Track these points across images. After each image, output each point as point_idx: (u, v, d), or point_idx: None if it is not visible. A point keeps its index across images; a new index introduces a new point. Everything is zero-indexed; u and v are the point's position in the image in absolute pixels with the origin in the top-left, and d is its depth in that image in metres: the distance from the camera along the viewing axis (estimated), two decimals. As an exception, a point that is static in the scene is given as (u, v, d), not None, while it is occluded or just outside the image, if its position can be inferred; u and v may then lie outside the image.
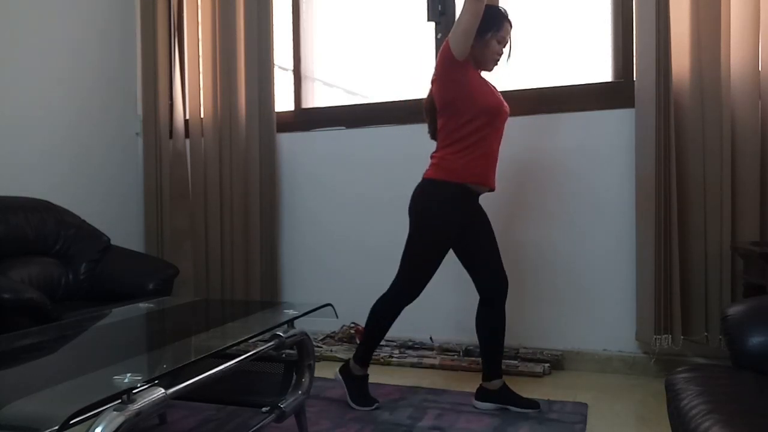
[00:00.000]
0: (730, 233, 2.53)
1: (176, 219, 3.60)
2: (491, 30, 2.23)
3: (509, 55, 2.34)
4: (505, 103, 2.32)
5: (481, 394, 2.39)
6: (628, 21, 2.83)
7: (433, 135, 2.41)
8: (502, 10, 2.29)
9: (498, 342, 2.37)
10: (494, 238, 2.39)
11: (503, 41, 2.27)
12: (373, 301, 2.45)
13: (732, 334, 1.49)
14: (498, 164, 2.35)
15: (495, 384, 2.36)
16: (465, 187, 2.27)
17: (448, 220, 2.28)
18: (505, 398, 2.35)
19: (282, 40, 3.53)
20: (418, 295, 2.37)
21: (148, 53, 3.63)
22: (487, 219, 2.40)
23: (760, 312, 1.50)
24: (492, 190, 2.36)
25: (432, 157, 2.33)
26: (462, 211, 2.30)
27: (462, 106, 2.22)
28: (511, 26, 2.28)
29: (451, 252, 3.19)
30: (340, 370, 2.45)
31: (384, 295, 2.41)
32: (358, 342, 3.17)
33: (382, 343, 3.17)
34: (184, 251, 3.57)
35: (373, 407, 2.36)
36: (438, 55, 2.25)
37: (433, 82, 2.30)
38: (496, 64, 2.31)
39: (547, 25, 3.02)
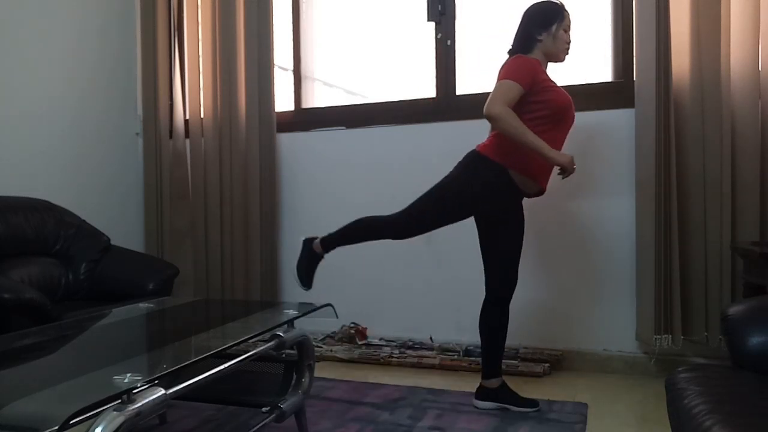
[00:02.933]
0: (730, 233, 2.53)
1: (176, 219, 3.60)
2: (555, 21, 2.25)
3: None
4: (573, 107, 2.29)
5: (481, 393, 2.39)
6: (628, 21, 2.83)
7: None
8: (558, 2, 2.30)
9: (499, 341, 2.36)
10: (521, 241, 2.35)
11: (568, 28, 2.29)
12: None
13: (732, 334, 1.49)
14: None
15: (494, 383, 2.36)
16: (508, 177, 2.22)
17: (483, 197, 2.26)
18: (505, 397, 2.35)
19: (282, 40, 3.53)
20: (403, 237, 2.38)
21: (148, 53, 3.63)
22: (523, 220, 2.35)
23: (760, 312, 1.50)
24: (542, 192, 2.32)
25: (491, 134, 2.29)
26: (500, 197, 2.26)
27: (533, 104, 2.20)
28: (569, 13, 2.30)
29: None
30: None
31: (379, 216, 2.41)
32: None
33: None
34: (184, 251, 3.57)
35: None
36: (502, 72, 2.24)
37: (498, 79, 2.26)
38: (568, 53, 2.31)
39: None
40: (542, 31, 2.26)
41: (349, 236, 2.43)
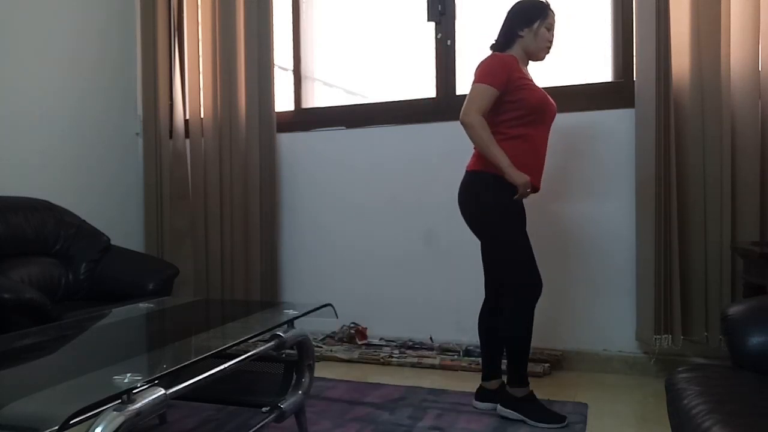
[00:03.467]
0: (730, 233, 2.53)
1: (176, 219, 3.60)
2: (538, 19, 2.25)
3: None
4: (552, 101, 2.30)
5: (481, 394, 2.39)
6: (628, 21, 2.83)
7: None
8: (543, 0, 2.29)
9: (498, 342, 2.36)
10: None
11: (551, 27, 2.28)
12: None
13: (732, 334, 1.49)
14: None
15: (494, 384, 2.36)
16: (504, 179, 2.18)
17: (513, 205, 2.21)
18: (502, 397, 2.34)
19: (282, 40, 3.53)
20: (539, 287, 2.23)
21: (148, 53, 3.63)
22: (525, 220, 2.32)
23: (760, 312, 1.50)
24: (535, 190, 2.29)
25: (474, 148, 2.29)
26: (514, 199, 2.22)
27: (508, 104, 2.20)
28: (554, 13, 2.29)
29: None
30: (503, 405, 2.27)
31: (505, 311, 2.26)
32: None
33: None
34: (184, 251, 3.57)
35: (564, 423, 2.17)
36: (477, 71, 2.23)
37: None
38: (548, 51, 2.30)
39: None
40: (524, 27, 2.26)
41: (522, 352, 2.25)
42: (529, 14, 2.26)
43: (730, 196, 2.52)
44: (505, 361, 2.32)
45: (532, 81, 2.27)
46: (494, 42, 2.35)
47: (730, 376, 1.41)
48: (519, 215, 2.26)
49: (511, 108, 2.20)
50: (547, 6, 2.28)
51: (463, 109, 2.17)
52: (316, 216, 3.42)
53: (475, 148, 2.28)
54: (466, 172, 2.31)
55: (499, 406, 2.30)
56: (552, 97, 2.33)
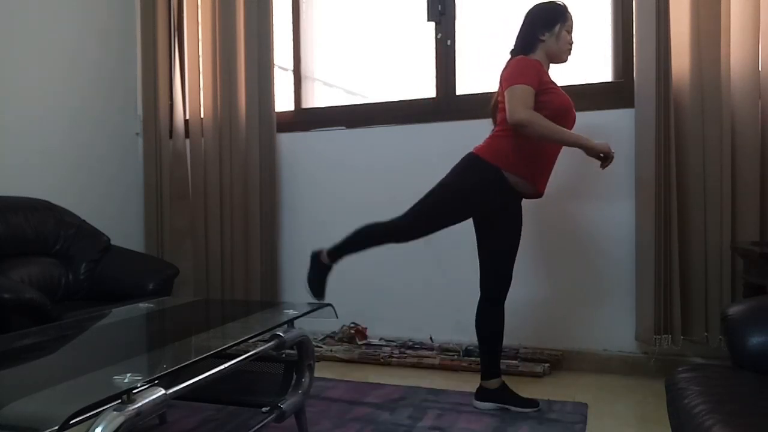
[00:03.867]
0: (730, 233, 2.53)
1: (176, 219, 3.60)
2: (558, 22, 2.25)
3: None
4: (574, 110, 2.30)
5: (481, 394, 2.39)
6: (628, 21, 2.83)
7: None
8: (561, 3, 2.30)
9: (497, 341, 2.36)
10: (517, 242, 2.35)
11: (571, 29, 2.28)
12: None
13: (732, 334, 1.49)
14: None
15: (494, 383, 2.36)
16: (503, 178, 2.21)
17: (480, 199, 2.27)
18: (505, 397, 2.35)
19: (282, 40, 3.53)
20: (405, 240, 2.38)
21: (148, 53, 3.63)
22: (521, 222, 2.35)
23: (760, 312, 1.50)
24: (539, 195, 2.32)
25: (490, 137, 2.31)
26: (496, 198, 2.26)
27: (535, 105, 2.19)
28: (571, 15, 2.30)
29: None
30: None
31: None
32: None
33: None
34: (184, 251, 3.57)
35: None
36: (506, 74, 2.23)
37: (502, 82, 2.26)
38: (570, 53, 2.31)
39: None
40: (545, 31, 2.26)
41: (353, 244, 2.43)
42: (550, 18, 2.26)
43: (730, 196, 2.52)
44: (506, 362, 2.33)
45: (557, 86, 2.28)
46: (513, 47, 2.34)
47: (730, 376, 1.41)
48: (514, 215, 2.30)
49: (537, 109, 2.19)
50: (566, 8, 2.29)
51: (509, 112, 2.14)
52: (316, 216, 3.42)
53: (490, 137, 2.29)
54: (472, 153, 2.29)
55: (475, 402, 2.38)
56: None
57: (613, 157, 2.22)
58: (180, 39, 3.66)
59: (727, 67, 2.53)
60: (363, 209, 3.31)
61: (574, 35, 2.33)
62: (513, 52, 2.33)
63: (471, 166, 2.28)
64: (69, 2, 3.30)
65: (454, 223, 2.36)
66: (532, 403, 2.34)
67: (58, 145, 3.23)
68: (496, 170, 2.21)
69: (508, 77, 2.20)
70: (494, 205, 2.29)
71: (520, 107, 2.12)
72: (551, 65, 2.33)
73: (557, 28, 2.26)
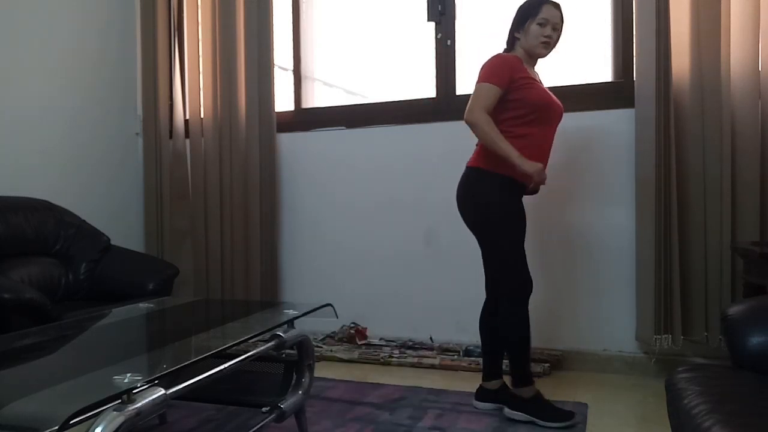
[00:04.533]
0: (730, 233, 2.53)
1: (176, 219, 3.60)
2: (529, 18, 2.25)
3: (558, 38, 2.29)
4: (558, 102, 2.30)
5: (481, 394, 2.39)
6: (628, 21, 2.83)
7: None
8: None
9: (499, 342, 2.36)
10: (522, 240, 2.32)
11: (545, 22, 2.23)
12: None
13: (732, 334, 1.49)
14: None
15: (495, 384, 2.36)
16: (511, 180, 2.20)
17: (512, 205, 2.24)
18: (505, 398, 2.35)
19: (282, 40, 3.53)
20: (530, 284, 2.25)
21: (148, 53, 3.63)
22: (525, 218, 2.32)
23: (760, 312, 1.50)
24: (536, 192, 2.32)
25: (477, 145, 2.30)
26: (516, 198, 2.26)
27: (510, 103, 2.21)
28: (555, 7, 2.25)
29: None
30: (511, 407, 2.26)
31: (501, 312, 2.27)
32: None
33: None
34: (184, 251, 3.57)
35: (573, 420, 2.18)
36: (480, 72, 2.24)
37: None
38: (548, 46, 2.27)
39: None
40: (519, 28, 2.28)
41: (521, 353, 2.27)
42: (521, 15, 2.28)
43: (730, 196, 2.52)
44: (506, 362, 2.32)
45: (536, 81, 2.27)
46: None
47: (730, 376, 1.41)
48: (518, 215, 2.26)
49: (513, 107, 2.20)
50: (539, 2, 2.25)
51: (467, 108, 2.18)
52: (316, 216, 3.42)
53: (478, 144, 2.29)
54: (467, 167, 2.31)
55: (506, 409, 2.28)
56: (552, 97, 2.32)
57: (541, 182, 2.19)
58: (180, 39, 3.66)
59: (727, 67, 2.53)
60: (363, 209, 3.32)
61: (570, 31, 2.30)
62: (505, 50, 2.35)
63: (477, 184, 2.25)
64: (69, 2, 3.30)
65: (523, 239, 2.27)
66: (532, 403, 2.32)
67: (58, 145, 3.23)
68: (500, 175, 2.21)
69: (481, 74, 2.22)
70: (513, 206, 2.25)
71: (476, 108, 2.16)
72: (539, 60, 2.33)
73: (527, 23, 2.25)
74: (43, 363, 1.59)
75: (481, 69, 2.25)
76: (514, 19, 2.31)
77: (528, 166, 2.12)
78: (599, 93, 2.90)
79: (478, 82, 2.21)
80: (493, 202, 2.22)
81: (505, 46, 2.36)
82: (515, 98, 2.20)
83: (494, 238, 2.25)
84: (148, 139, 3.65)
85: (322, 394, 2.53)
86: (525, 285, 2.25)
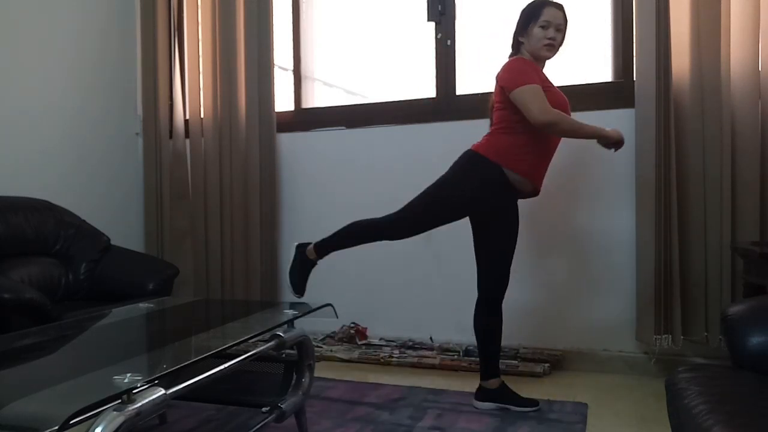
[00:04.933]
0: (730, 233, 2.53)
1: (176, 219, 3.60)
2: (531, 21, 2.25)
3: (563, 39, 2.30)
4: (568, 106, 2.30)
5: (481, 394, 2.39)
6: (628, 21, 2.83)
7: None
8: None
9: (495, 341, 2.36)
10: (515, 241, 2.35)
11: (547, 24, 2.22)
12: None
13: (732, 334, 1.49)
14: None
15: (493, 383, 2.36)
16: (504, 177, 2.22)
17: (480, 197, 2.26)
18: (505, 397, 2.35)
19: (282, 40, 3.53)
20: (398, 238, 2.38)
21: (148, 53, 3.63)
22: (517, 220, 2.34)
23: (760, 312, 1.50)
24: (536, 193, 2.32)
25: (488, 134, 2.32)
26: (496, 197, 2.26)
27: None
28: (557, 8, 2.25)
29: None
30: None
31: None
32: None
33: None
34: (184, 251, 3.57)
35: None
36: (504, 75, 2.24)
37: (498, 83, 2.27)
38: (552, 48, 2.26)
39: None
40: (522, 32, 2.28)
41: (343, 240, 2.43)
42: (524, 18, 2.28)
43: (730, 196, 2.52)
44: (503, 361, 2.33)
45: (552, 85, 2.28)
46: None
47: (730, 376, 1.41)
48: (506, 209, 2.30)
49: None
50: (540, 5, 2.25)
51: (532, 115, 2.12)
52: (316, 216, 3.42)
53: (489, 134, 2.29)
54: (472, 151, 2.30)
55: (475, 402, 2.37)
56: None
57: (622, 143, 2.26)
58: (180, 39, 3.66)
59: (727, 67, 2.53)
60: (363, 209, 3.30)
61: (570, 32, 2.30)
62: (510, 56, 2.35)
63: (472, 163, 2.27)
64: (69, 2, 3.30)
65: (451, 221, 2.36)
66: (531, 402, 2.33)
67: (58, 145, 3.23)
68: (498, 168, 2.22)
69: (509, 79, 2.20)
70: (494, 205, 2.29)
71: (542, 108, 2.13)
72: (546, 63, 2.33)
73: (529, 26, 2.25)
74: (43, 363, 1.59)
75: (506, 73, 2.22)
76: (518, 23, 2.30)
77: (611, 133, 2.23)
78: (599, 93, 2.90)
79: (516, 87, 2.15)
80: (476, 185, 2.24)
81: (511, 51, 2.34)
82: None
83: (442, 194, 2.30)
84: (148, 139, 3.65)
85: (322, 394, 2.53)
86: (501, 284, 2.34)
